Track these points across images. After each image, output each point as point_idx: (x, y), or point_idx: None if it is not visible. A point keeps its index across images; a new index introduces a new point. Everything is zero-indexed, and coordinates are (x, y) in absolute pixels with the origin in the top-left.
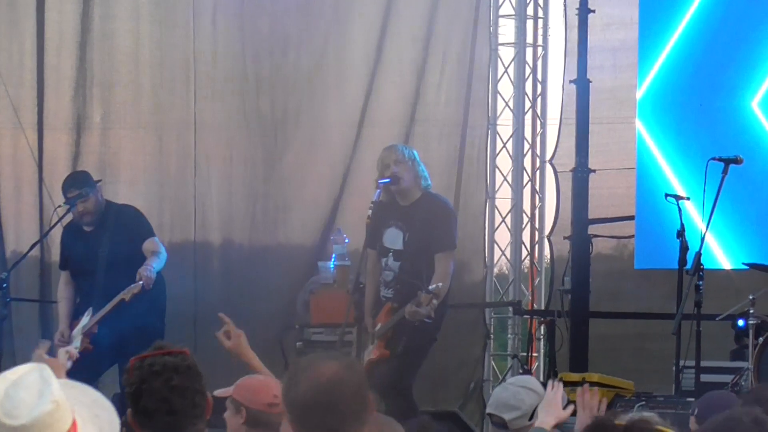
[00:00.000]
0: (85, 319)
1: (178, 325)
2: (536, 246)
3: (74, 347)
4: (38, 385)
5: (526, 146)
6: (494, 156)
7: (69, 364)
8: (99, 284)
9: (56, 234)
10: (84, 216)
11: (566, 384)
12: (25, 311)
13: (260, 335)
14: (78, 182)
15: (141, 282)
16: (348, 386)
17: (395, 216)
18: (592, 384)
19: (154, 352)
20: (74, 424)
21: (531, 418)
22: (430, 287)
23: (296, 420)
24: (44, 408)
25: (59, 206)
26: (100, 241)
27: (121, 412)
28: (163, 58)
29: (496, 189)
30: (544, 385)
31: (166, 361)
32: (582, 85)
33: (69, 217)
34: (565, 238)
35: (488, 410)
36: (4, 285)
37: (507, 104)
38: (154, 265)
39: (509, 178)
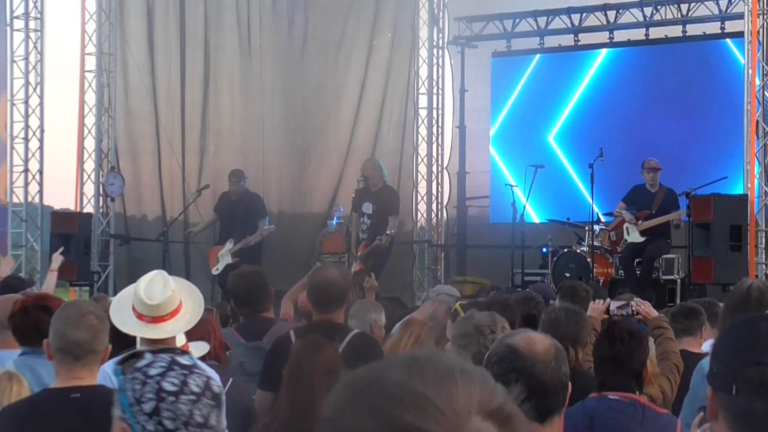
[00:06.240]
0: (228, 245)
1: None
2: (440, 211)
3: (225, 262)
4: (162, 281)
5: (434, 160)
6: (416, 165)
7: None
8: (235, 228)
9: (193, 208)
10: (233, 192)
11: (455, 282)
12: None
13: (297, 261)
14: (236, 175)
15: (271, 227)
16: (338, 283)
17: (369, 197)
18: (469, 282)
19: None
20: (181, 301)
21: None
22: (386, 232)
23: (309, 296)
24: (167, 293)
25: (194, 192)
26: (239, 206)
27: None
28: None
29: (417, 183)
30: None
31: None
32: (461, 128)
33: (205, 196)
34: (453, 207)
35: None
36: (166, 233)
37: (423, 138)
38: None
39: (425, 176)
